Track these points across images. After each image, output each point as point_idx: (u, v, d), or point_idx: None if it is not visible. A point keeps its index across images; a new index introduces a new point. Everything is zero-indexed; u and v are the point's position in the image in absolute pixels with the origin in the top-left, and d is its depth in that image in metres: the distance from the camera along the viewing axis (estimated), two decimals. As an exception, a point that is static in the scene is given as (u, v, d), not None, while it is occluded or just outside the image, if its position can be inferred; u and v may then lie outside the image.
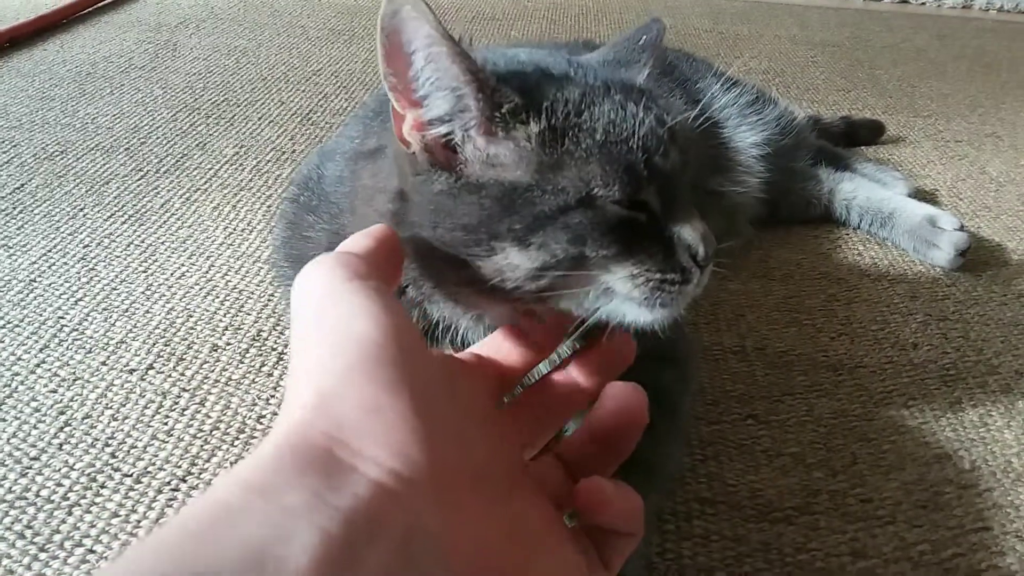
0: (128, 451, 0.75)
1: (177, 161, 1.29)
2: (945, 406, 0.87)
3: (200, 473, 0.73)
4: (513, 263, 0.56)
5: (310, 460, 0.35)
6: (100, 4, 2.04)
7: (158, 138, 1.36)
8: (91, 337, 0.89)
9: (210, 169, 1.27)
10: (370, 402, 0.38)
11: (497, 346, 0.59)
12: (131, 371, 0.84)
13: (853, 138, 1.51)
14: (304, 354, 0.41)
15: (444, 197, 0.57)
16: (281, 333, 0.90)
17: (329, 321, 0.42)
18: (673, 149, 0.58)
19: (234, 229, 1.11)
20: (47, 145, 1.31)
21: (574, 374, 0.58)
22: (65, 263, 1.01)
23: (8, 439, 0.76)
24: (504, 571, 0.42)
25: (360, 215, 0.63)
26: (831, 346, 0.96)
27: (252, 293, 0.97)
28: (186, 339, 0.89)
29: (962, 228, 1.14)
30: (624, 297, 0.57)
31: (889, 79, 1.92)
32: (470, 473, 0.43)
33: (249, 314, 0.94)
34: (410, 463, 0.37)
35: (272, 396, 0.82)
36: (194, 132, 1.40)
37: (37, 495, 0.70)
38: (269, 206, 1.16)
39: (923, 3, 2.81)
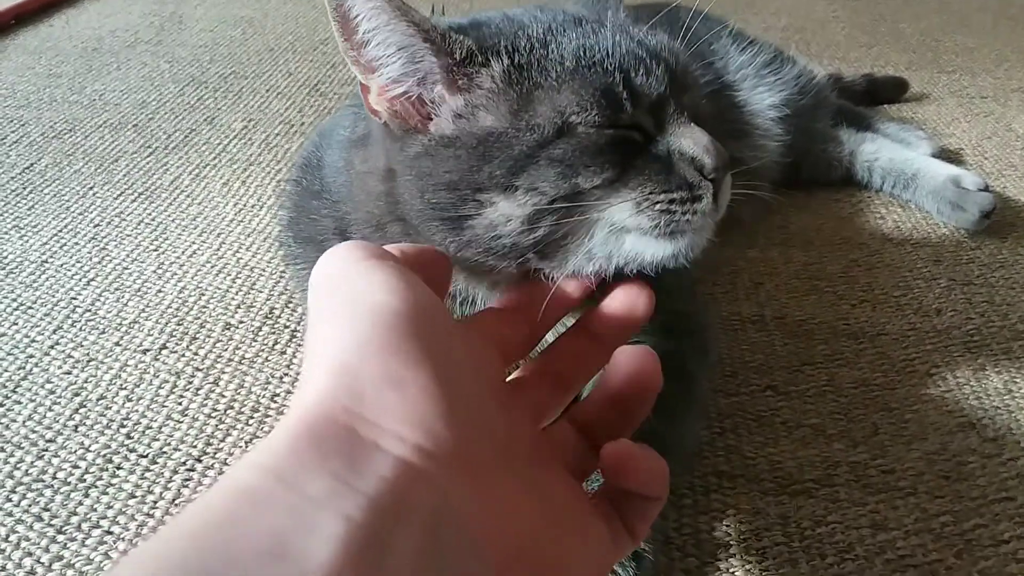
0: (143, 432, 0.75)
1: (185, 137, 1.28)
2: (968, 373, 0.86)
3: (215, 453, 0.73)
4: (504, 214, 0.54)
5: (330, 441, 0.34)
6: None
7: (166, 113, 1.35)
8: (104, 318, 0.89)
9: (219, 144, 1.26)
10: (391, 374, 0.36)
11: (499, 315, 0.57)
12: (144, 351, 0.84)
13: (875, 96, 1.47)
14: (319, 329, 0.40)
15: (423, 160, 0.56)
16: (293, 311, 0.90)
17: (345, 295, 0.40)
18: (659, 68, 0.56)
19: (244, 205, 1.10)
20: (55, 123, 1.30)
21: (584, 337, 0.56)
22: (76, 243, 1.01)
23: (24, 422, 0.76)
24: (536, 553, 0.40)
25: (358, 201, 0.63)
26: (852, 314, 0.94)
27: (264, 270, 0.96)
28: (198, 318, 0.89)
29: (987, 188, 1.10)
30: (635, 231, 0.55)
31: (912, 33, 1.87)
32: (494, 448, 0.41)
33: (261, 292, 0.93)
34: (434, 437, 0.35)
35: (286, 374, 0.82)
36: (202, 106, 1.38)
37: (54, 477, 0.71)
38: (279, 181, 1.15)
39: (947, -47, 2.71)
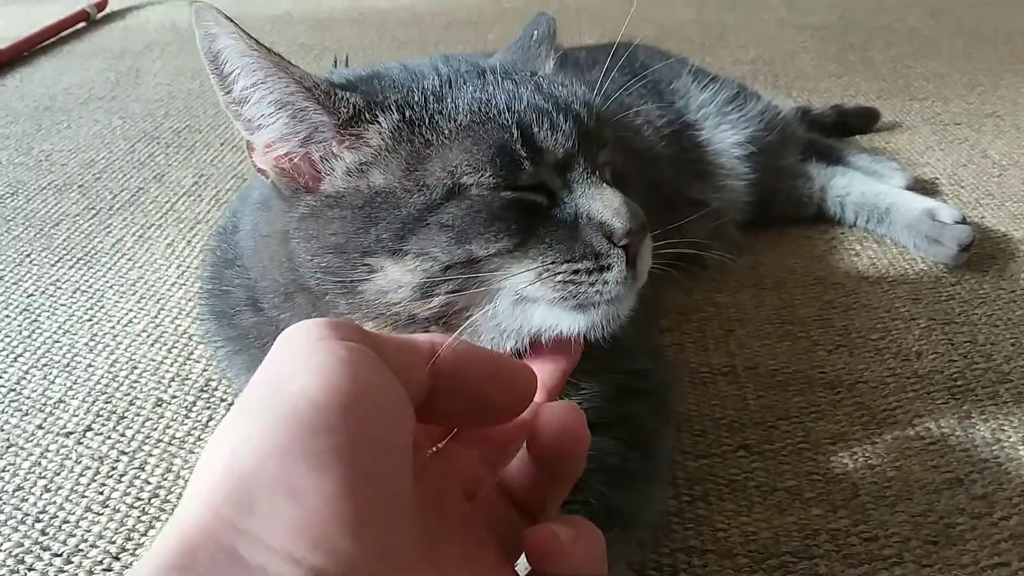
0: (60, 527, 0.69)
1: (132, 196, 1.23)
2: (954, 422, 0.80)
3: (135, 549, 0.67)
4: (394, 280, 0.50)
5: (204, 568, 0.28)
6: (63, 34, 1.98)
7: (114, 172, 1.30)
8: (28, 397, 0.83)
9: (166, 203, 1.21)
10: (289, 482, 0.31)
11: None
12: (68, 434, 0.78)
13: (846, 128, 1.43)
14: (227, 419, 0.34)
15: (310, 221, 0.52)
16: (231, 383, 0.84)
17: (267, 381, 0.34)
18: (567, 123, 0.52)
19: (188, 267, 1.04)
20: (-3, 187, 1.25)
21: None
22: (7, 315, 0.95)
23: (-70, 520, 0.69)
24: None
25: (263, 268, 0.58)
26: (828, 360, 0.89)
27: (200, 337, 0.91)
28: (128, 394, 0.83)
29: (964, 220, 1.06)
30: (542, 301, 0.51)
31: (883, 61, 1.85)
32: (414, 546, 0.36)
33: (198, 362, 0.87)
34: (337, 556, 0.30)
35: (219, 454, 0.75)
36: (152, 163, 1.33)
37: (-43, 584, 0.64)
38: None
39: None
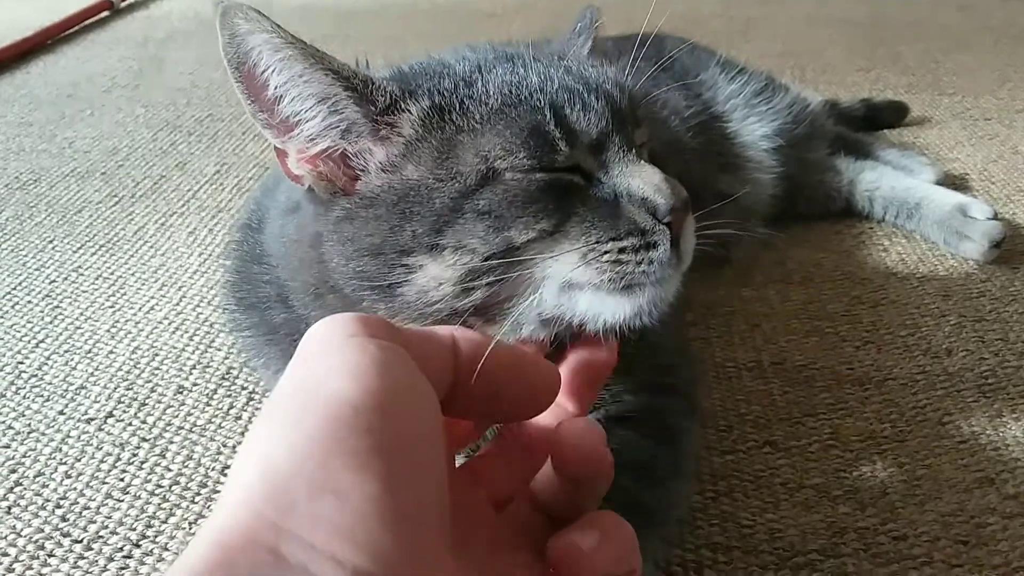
0: (80, 513, 0.69)
1: (155, 184, 1.23)
2: (984, 421, 0.78)
3: (156, 536, 0.66)
4: (434, 277, 0.49)
5: (246, 569, 0.28)
6: (86, 23, 1.99)
7: (136, 160, 1.30)
8: (50, 383, 0.83)
9: (188, 191, 1.21)
10: (330, 480, 0.30)
11: None
12: (89, 420, 0.78)
13: (875, 122, 1.41)
14: (260, 420, 0.34)
15: (345, 224, 0.51)
16: (253, 370, 0.84)
17: (300, 380, 0.34)
18: (599, 103, 0.51)
19: (209, 255, 1.04)
20: (21, 174, 1.26)
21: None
22: (29, 301, 0.95)
23: (-48, 504, 0.70)
24: None
25: (294, 269, 0.58)
26: (856, 357, 0.87)
27: (224, 326, 0.90)
28: (150, 381, 0.83)
29: (995, 216, 1.04)
30: (587, 286, 0.49)
31: (912, 56, 1.82)
32: (449, 548, 0.35)
33: (219, 350, 0.87)
34: (379, 556, 0.29)
35: (239, 442, 0.75)
36: (174, 151, 1.33)
37: (-21, 567, 0.64)
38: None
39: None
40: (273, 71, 0.49)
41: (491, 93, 0.50)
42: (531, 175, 0.48)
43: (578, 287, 0.49)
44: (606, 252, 0.48)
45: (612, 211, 0.49)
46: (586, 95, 0.50)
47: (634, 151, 0.52)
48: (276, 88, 0.50)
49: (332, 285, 0.54)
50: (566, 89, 0.50)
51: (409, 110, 0.50)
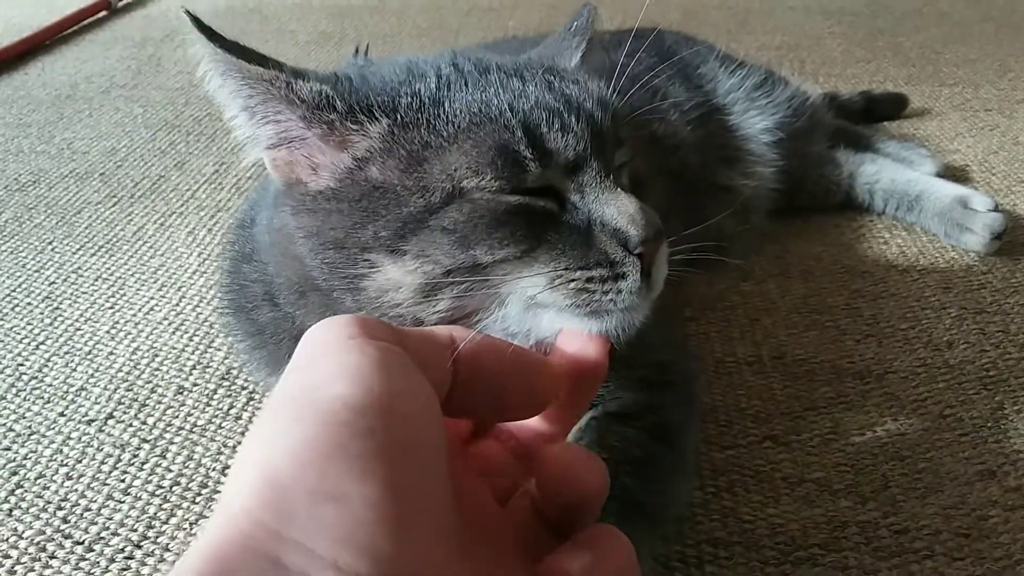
0: (81, 514, 0.69)
1: (153, 184, 1.23)
2: (986, 413, 0.78)
3: (157, 537, 0.67)
4: (393, 279, 0.49)
5: (247, 573, 0.28)
6: (84, 23, 1.99)
7: (135, 160, 1.30)
8: (50, 385, 0.83)
9: (187, 191, 1.21)
10: (332, 487, 0.30)
11: None
12: (89, 422, 0.78)
13: (874, 114, 1.40)
14: (259, 424, 0.33)
15: (309, 216, 0.52)
16: (251, 372, 0.84)
17: (300, 383, 0.34)
18: (578, 123, 0.50)
19: (209, 255, 1.04)
20: (20, 175, 1.25)
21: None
22: (29, 303, 0.95)
23: (-46, 507, 0.70)
24: None
25: (279, 263, 0.58)
26: (856, 350, 0.87)
27: (221, 328, 0.90)
28: (150, 382, 0.83)
29: (996, 208, 1.04)
30: (553, 307, 0.49)
31: (911, 47, 1.81)
32: (449, 550, 0.35)
33: (219, 350, 0.87)
34: (381, 561, 0.29)
35: (239, 442, 0.75)
36: (173, 151, 1.33)
37: (-20, 570, 0.64)
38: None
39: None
40: (227, 90, 0.52)
41: (458, 111, 0.49)
42: (500, 196, 0.47)
43: (543, 307, 0.49)
44: (573, 280, 0.48)
45: (583, 239, 0.49)
46: (565, 114, 0.50)
47: (611, 177, 0.51)
48: (238, 102, 0.52)
49: (312, 282, 0.55)
50: (544, 107, 0.49)
51: (363, 124, 0.50)
